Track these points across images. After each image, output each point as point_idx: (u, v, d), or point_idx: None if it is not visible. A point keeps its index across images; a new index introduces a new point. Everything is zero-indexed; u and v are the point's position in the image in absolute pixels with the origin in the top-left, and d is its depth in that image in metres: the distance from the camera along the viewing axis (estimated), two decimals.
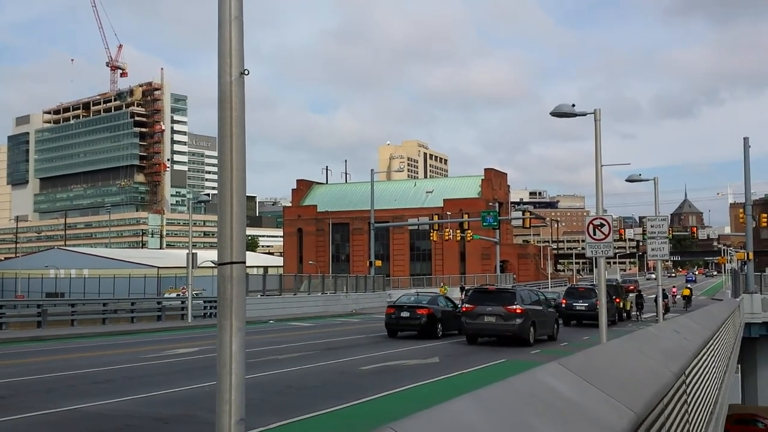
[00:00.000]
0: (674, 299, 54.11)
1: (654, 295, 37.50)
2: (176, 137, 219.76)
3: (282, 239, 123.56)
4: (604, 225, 20.60)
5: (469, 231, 67.77)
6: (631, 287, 52.00)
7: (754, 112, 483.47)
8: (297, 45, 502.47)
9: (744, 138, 42.97)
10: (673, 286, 64.17)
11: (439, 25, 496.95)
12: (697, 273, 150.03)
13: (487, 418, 2.35)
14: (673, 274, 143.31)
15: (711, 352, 11.70)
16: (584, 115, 21.00)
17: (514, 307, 24.59)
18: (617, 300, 38.82)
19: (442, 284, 68.85)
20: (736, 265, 78.18)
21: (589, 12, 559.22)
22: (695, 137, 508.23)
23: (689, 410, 7.25)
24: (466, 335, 26.06)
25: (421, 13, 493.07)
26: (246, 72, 5.44)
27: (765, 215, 63.04)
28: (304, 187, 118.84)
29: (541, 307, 26.83)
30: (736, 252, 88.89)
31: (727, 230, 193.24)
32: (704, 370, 9.86)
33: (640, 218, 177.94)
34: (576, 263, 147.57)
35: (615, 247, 33.92)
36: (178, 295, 49.15)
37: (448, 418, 2.22)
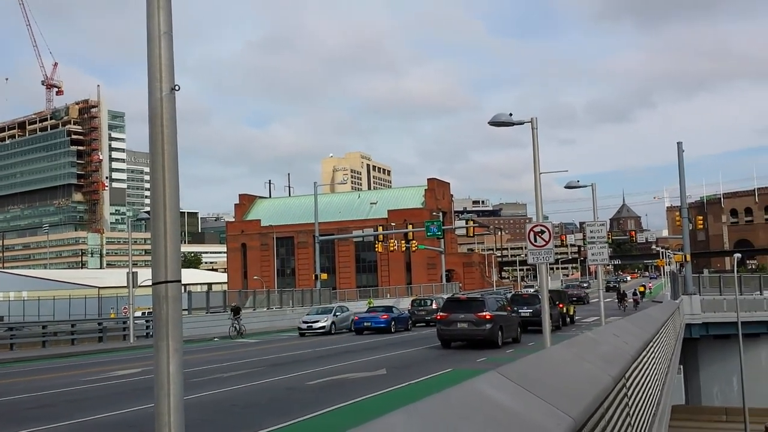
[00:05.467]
0: (642, 297, 60.68)
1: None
2: (114, 154, 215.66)
3: (226, 255, 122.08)
4: (545, 232, 20.89)
5: (414, 241, 68.07)
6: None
7: (687, 115, 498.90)
8: (226, 57, 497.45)
9: (678, 143, 44.21)
10: (642, 285, 73.90)
11: (372, 33, 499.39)
12: (629, 278, 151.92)
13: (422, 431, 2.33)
14: (627, 279, 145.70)
15: (651, 354, 11.93)
16: (521, 123, 21.33)
17: (484, 313, 26.93)
18: (561, 305, 39.41)
19: (369, 298, 69.26)
20: (675, 267, 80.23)
21: (521, 20, 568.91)
22: (631, 142, 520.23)
23: (631, 412, 7.36)
24: (441, 340, 27.92)
25: (352, 21, 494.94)
26: (177, 88, 5.35)
27: (701, 218, 65.03)
28: (246, 201, 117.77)
29: (506, 313, 29.12)
30: (674, 254, 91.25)
31: (665, 233, 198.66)
32: (645, 372, 10.04)
33: (581, 223, 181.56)
34: (520, 270, 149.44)
35: (556, 253, 34.47)
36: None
37: None
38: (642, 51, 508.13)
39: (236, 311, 41.26)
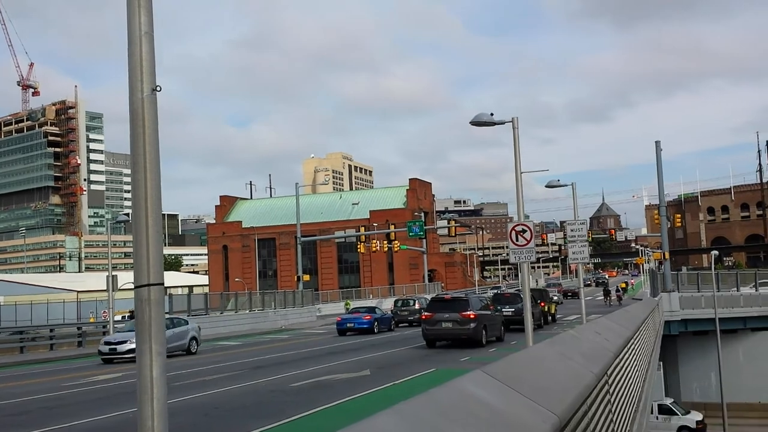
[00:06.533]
0: (624, 293, 64.64)
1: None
2: (93, 156, 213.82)
3: (207, 257, 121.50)
4: (526, 231, 20.99)
5: (396, 242, 68.12)
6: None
7: (665, 114, 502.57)
8: (205, 56, 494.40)
9: (656, 142, 44.58)
10: (624, 282, 79.15)
11: (352, 33, 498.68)
12: (607, 276, 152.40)
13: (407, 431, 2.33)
14: (606, 277, 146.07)
15: (632, 351, 12.02)
16: (503, 123, 21.41)
17: (469, 312, 27.06)
18: (542, 304, 39.60)
19: (347, 299, 69.35)
20: (654, 265, 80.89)
21: (500, 20, 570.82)
22: (611, 141, 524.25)
23: (613, 409, 7.42)
24: (425, 340, 27.93)
25: (333, 20, 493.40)
26: (158, 88, 5.32)
27: (679, 216, 65.58)
28: (227, 203, 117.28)
29: (489, 312, 29.22)
30: (653, 252, 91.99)
31: (644, 231, 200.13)
32: (626, 369, 10.11)
33: (561, 222, 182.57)
34: (502, 269, 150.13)
35: (538, 252, 34.70)
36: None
37: None
38: (620, 50, 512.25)
39: None
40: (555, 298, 69.00)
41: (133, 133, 5.26)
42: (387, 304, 57.64)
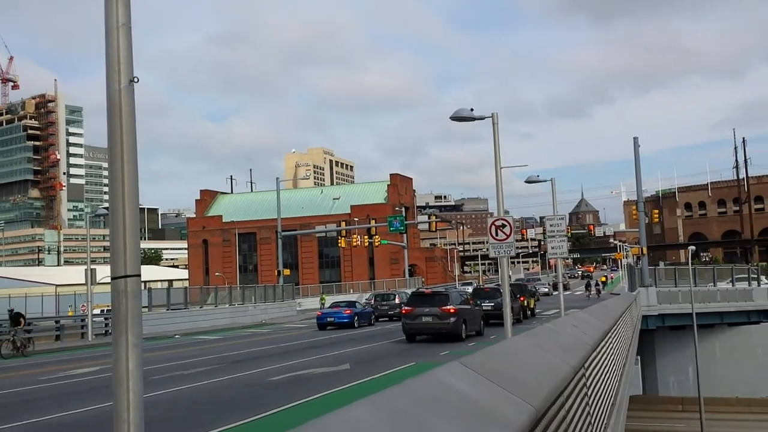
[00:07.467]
0: (603, 287, 67.09)
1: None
2: (72, 150, 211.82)
3: (187, 251, 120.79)
4: (506, 225, 21.08)
5: (377, 236, 68.12)
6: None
7: (643, 110, 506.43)
8: (184, 51, 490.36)
9: (634, 138, 44.83)
10: (603, 276, 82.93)
11: (330, 28, 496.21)
12: (581, 270, 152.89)
13: (384, 422, 2.33)
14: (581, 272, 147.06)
15: (609, 344, 12.11)
16: (482, 119, 21.47)
17: (449, 307, 27.24)
18: (522, 298, 39.80)
19: (322, 294, 69.37)
20: (632, 260, 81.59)
21: (479, 15, 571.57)
22: (590, 137, 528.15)
23: (590, 402, 7.47)
24: (406, 334, 28.12)
25: (311, 14, 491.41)
26: (135, 80, 5.29)
27: (656, 211, 66.08)
28: (208, 197, 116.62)
29: (469, 307, 29.36)
30: (631, 247, 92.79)
31: (622, 227, 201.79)
32: (603, 362, 10.19)
33: (541, 218, 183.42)
34: (482, 264, 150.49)
35: (517, 247, 34.85)
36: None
37: (343, 424, 2.19)
38: (598, 46, 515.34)
39: (15, 320, 31.24)
40: (545, 290, 70.78)
41: (111, 123, 5.22)
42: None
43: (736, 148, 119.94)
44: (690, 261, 48.02)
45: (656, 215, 58.98)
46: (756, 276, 49.73)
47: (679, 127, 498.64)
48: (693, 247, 56.09)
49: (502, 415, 3.35)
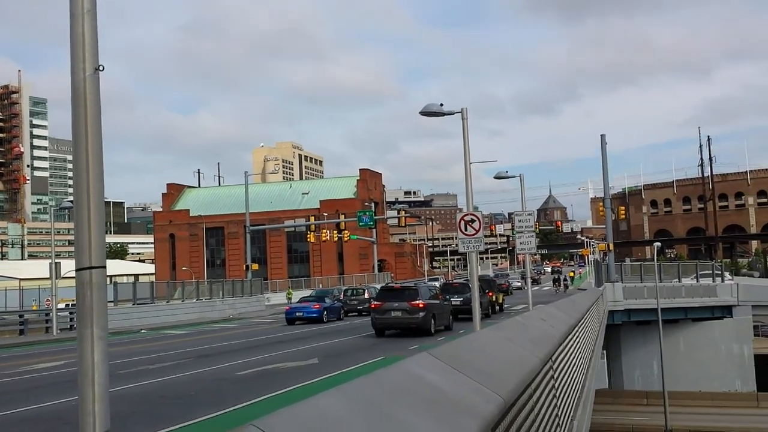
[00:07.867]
0: (571, 282, 69.24)
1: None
2: (36, 142, 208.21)
3: (153, 246, 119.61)
4: (475, 221, 21.17)
5: (346, 231, 68.08)
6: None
7: (611, 108, 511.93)
8: (150, 41, 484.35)
9: (601, 135, 45.34)
10: (572, 271, 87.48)
11: (299, 21, 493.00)
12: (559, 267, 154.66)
13: (353, 411, 2.32)
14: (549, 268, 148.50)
15: (577, 338, 12.24)
16: (452, 114, 21.51)
17: (418, 302, 27.31)
18: (490, 294, 40.00)
19: (288, 288, 69.16)
20: (599, 256, 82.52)
21: (448, 10, 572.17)
22: (558, 134, 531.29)
23: (557, 394, 7.54)
24: (375, 329, 28.11)
25: (279, 8, 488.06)
26: (101, 68, 5.19)
27: (623, 208, 67.00)
28: (175, 191, 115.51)
29: (438, 301, 29.44)
30: (598, 244, 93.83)
31: (589, 223, 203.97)
32: (570, 356, 10.29)
33: (510, 214, 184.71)
34: (451, 260, 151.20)
35: (486, 243, 35.01)
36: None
37: (312, 413, 2.18)
38: (566, 43, 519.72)
39: None
40: (518, 284, 72.20)
41: (75, 113, 5.12)
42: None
43: (701, 146, 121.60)
44: (655, 257, 48.70)
45: (622, 212, 59.83)
46: (720, 272, 50.60)
47: (647, 125, 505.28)
48: (658, 244, 56.85)
49: (471, 405, 3.36)
